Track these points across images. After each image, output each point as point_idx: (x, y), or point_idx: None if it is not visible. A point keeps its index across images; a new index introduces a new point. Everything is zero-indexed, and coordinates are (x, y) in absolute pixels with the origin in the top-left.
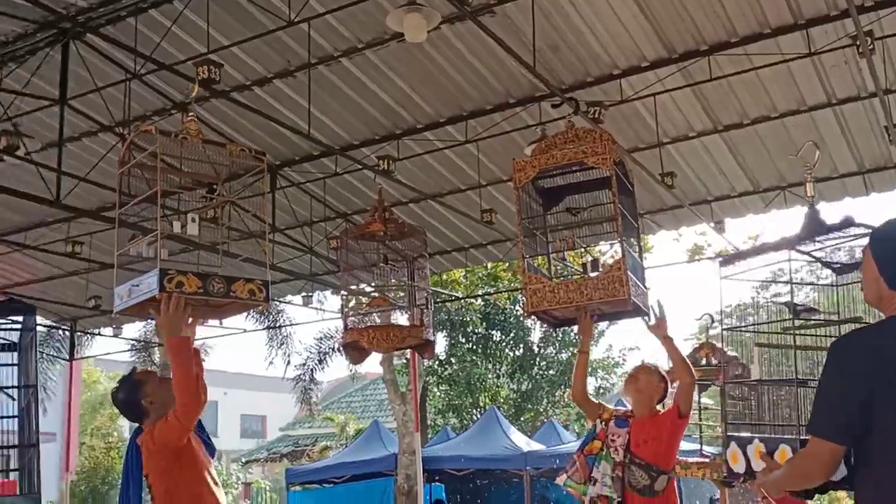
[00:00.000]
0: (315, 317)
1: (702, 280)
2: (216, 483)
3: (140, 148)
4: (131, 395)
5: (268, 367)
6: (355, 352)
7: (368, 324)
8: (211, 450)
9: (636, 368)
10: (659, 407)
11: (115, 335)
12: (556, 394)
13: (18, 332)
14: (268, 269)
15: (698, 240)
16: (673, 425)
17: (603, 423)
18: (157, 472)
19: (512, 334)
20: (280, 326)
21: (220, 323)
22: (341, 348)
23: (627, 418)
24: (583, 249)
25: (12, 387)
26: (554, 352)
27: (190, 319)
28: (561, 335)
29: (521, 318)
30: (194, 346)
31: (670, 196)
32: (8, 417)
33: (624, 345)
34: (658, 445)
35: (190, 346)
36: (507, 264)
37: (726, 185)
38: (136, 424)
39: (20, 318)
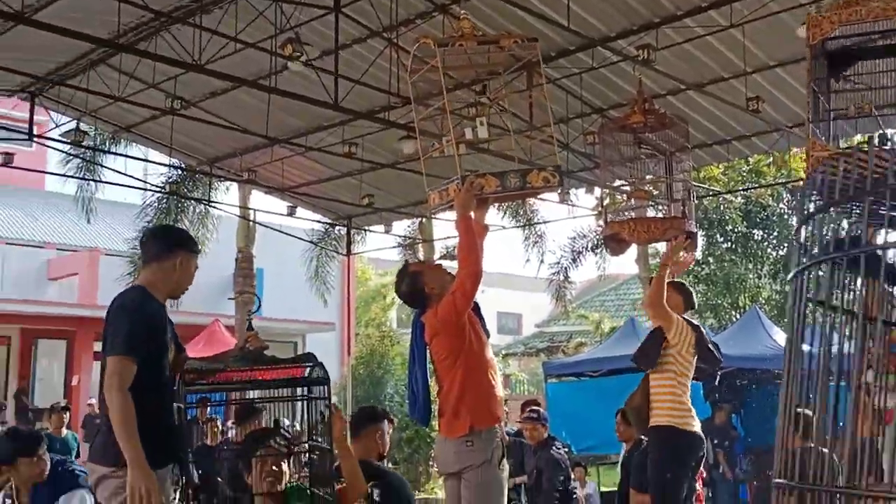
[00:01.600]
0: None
1: None
2: (492, 364)
3: (421, 60)
4: (414, 285)
5: (524, 265)
6: (615, 243)
7: (629, 216)
8: (486, 332)
9: None
10: None
11: (386, 232)
12: None
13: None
14: (556, 154)
15: None
16: None
17: None
18: (440, 347)
19: (775, 233)
20: (535, 224)
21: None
22: (603, 240)
23: None
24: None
25: None
26: None
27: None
28: None
29: (786, 216)
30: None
31: None
32: None
33: None
34: None
35: (476, 226)
36: (770, 158)
37: None
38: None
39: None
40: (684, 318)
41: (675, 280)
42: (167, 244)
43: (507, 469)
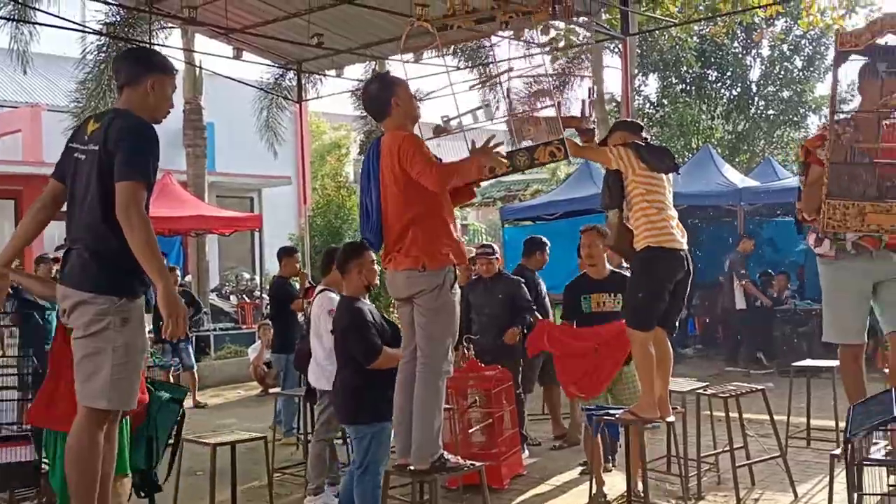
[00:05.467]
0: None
1: None
2: (450, 209)
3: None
4: (385, 91)
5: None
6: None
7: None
8: None
9: None
10: None
11: (338, 76)
12: (776, 134)
13: None
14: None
15: None
16: None
17: None
18: (398, 174)
19: (729, 72)
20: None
21: None
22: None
23: None
24: None
25: None
26: (774, 90)
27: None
28: (784, 72)
29: (740, 56)
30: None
31: None
32: None
33: (853, 80)
34: None
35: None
36: None
37: None
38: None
39: None
40: (621, 144)
41: (622, 120)
42: (137, 67)
43: (459, 293)
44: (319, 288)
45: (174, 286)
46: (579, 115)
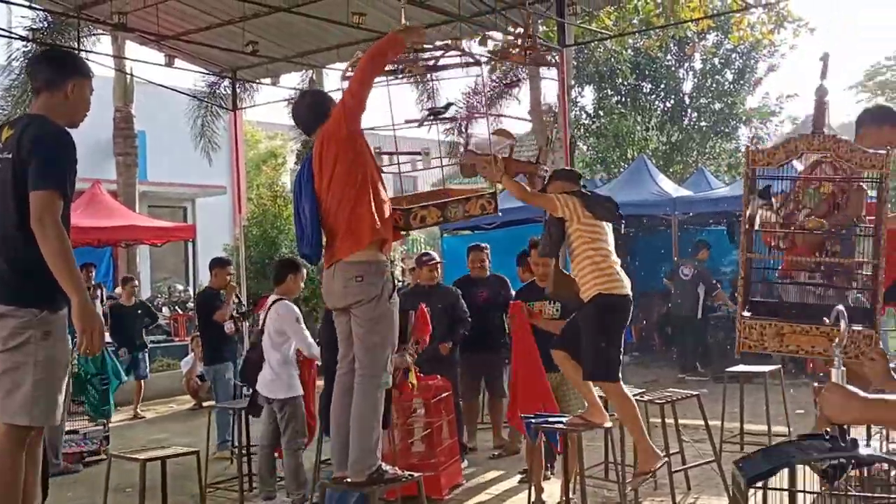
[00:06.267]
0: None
1: None
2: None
3: None
4: (322, 98)
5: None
6: (469, 169)
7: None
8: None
9: None
10: None
11: (273, 84)
12: (708, 145)
13: None
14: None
15: None
16: None
17: None
18: (340, 160)
19: (662, 85)
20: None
21: None
22: (459, 163)
23: None
24: None
25: None
26: (706, 101)
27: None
28: (715, 85)
29: (673, 69)
30: None
31: None
32: None
33: (782, 92)
34: None
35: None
36: (660, 7)
37: None
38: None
39: None
40: (566, 192)
41: (560, 169)
42: (57, 70)
43: (398, 303)
44: (273, 298)
45: (90, 300)
46: (534, 160)
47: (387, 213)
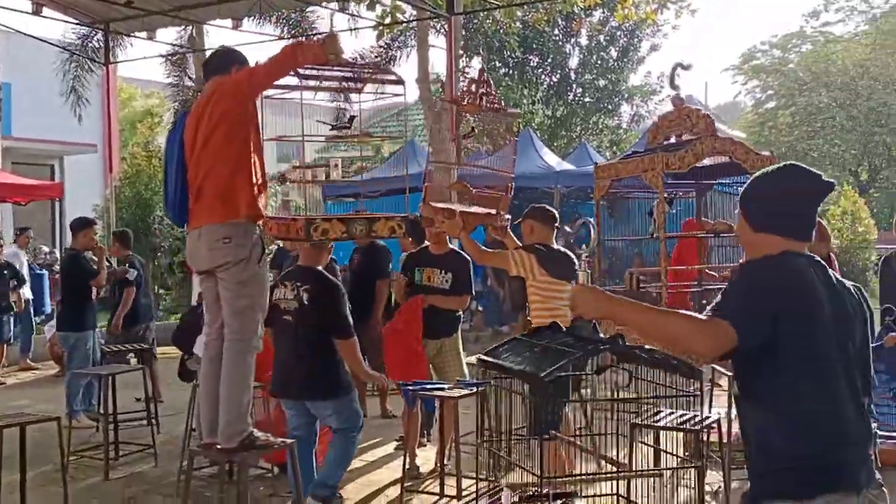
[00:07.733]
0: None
1: None
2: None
3: None
4: (237, 53)
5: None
6: (426, 222)
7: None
8: None
9: None
10: None
11: (150, 38)
12: (591, 120)
13: None
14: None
15: None
16: None
17: None
18: (223, 117)
19: (549, 59)
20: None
21: None
22: (419, 214)
23: None
24: None
25: None
26: (591, 78)
27: None
28: (600, 61)
29: (560, 43)
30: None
31: None
32: None
33: (662, 71)
34: None
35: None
36: None
37: None
38: None
39: None
40: (523, 247)
41: (538, 207)
42: None
43: (268, 266)
44: None
45: None
46: (494, 211)
47: (264, 193)
